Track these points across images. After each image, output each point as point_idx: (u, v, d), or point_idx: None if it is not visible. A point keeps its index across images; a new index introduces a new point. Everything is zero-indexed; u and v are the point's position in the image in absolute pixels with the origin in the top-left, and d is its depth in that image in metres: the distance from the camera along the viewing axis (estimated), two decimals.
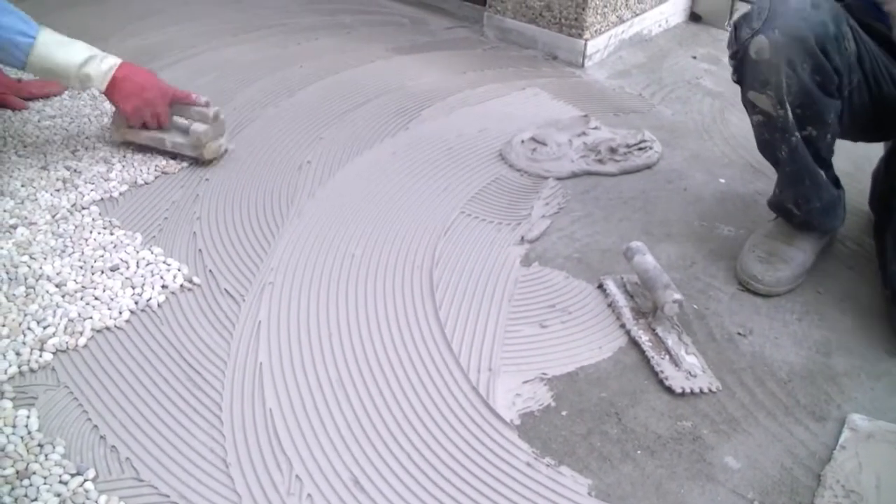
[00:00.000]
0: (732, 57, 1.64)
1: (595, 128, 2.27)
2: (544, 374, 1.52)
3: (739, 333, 1.63)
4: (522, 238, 1.87)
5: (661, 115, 2.43)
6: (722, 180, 2.11)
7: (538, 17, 2.80)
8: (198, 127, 2.12)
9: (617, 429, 1.42)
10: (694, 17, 3.16)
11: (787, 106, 1.58)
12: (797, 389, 1.51)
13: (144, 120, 2.14)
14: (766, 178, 2.07)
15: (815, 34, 1.51)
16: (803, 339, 1.63)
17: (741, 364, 1.56)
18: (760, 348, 1.60)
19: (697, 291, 1.73)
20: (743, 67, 1.61)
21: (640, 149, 2.18)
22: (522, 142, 2.21)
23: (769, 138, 1.68)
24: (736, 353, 1.59)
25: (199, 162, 2.15)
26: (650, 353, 1.55)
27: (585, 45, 2.72)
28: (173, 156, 2.16)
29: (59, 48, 1.99)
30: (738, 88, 1.68)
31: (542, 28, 2.81)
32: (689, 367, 1.51)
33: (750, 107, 1.66)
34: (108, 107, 2.41)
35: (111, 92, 2.07)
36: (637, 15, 2.89)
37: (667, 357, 1.54)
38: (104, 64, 2.05)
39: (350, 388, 1.48)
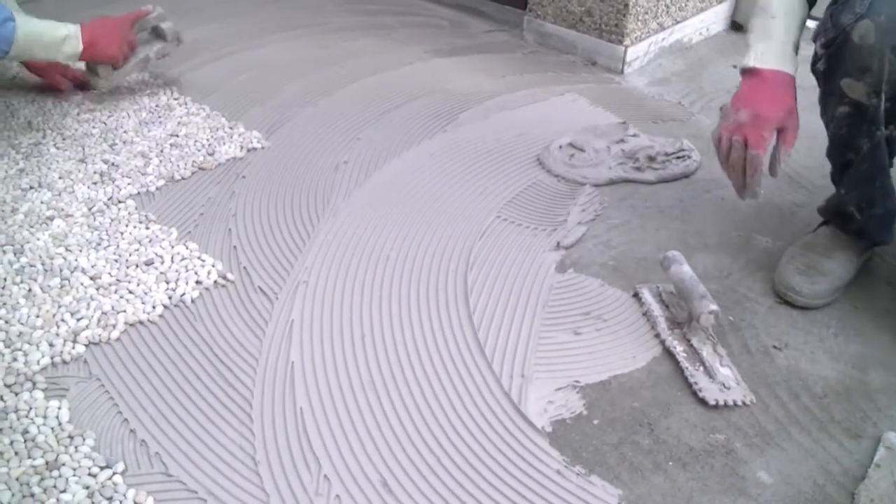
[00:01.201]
0: (826, 45, 1.57)
1: (634, 135, 2.26)
2: (577, 381, 1.50)
3: (775, 346, 1.61)
4: (558, 244, 1.86)
5: (701, 124, 2.41)
6: (760, 191, 2.09)
7: (578, 22, 2.79)
8: (167, 24, 2.35)
9: (649, 439, 1.40)
10: (735, 25, 3.13)
11: (882, 96, 1.52)
12: (832, 405, 1.49)
13: (125, 54, 2.30)
14: (804, 190, 2.05)
15: None
16: (839, 355, 1.61)
17: (776, 378, 1.54)
18: (796, 362, 1.58)
19: (733, 303, 1.72)
20: (841, 53, 1.53)
21: (679, 157, 2.17)
22: (560, 147, 2.20)
23: (849, 133, 1.61)
24: (771, 366, 1.57)
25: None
26: (684, 363, 1.53)
27: (625, 51, 2.70)
28: (210, 152, 2.16)
29: (39, 25, 2.10)
30: None
31: (582, 33, 2.80)
32: (723, 379, 1.49)
33: (838, 97, 1.59)
34: (145, 101, 2.43)
35: (91, 52, 2.20)
36: (678, 23, 2.87)
37: (701, 368, 1.52)
38: (73, 29, 2.16)
39: (381, 389, 1.48)
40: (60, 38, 2.11)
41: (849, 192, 1.71)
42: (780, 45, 1.63)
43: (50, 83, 2.46)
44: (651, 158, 2.15)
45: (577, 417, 1.43)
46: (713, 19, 3.03)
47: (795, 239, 1.84)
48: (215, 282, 1.73)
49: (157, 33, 2.38)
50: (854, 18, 1.49)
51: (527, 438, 1.39)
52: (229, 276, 1.74)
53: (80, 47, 2.16)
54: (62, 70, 2.45)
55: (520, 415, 1.43)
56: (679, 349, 1.56)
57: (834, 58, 1.56)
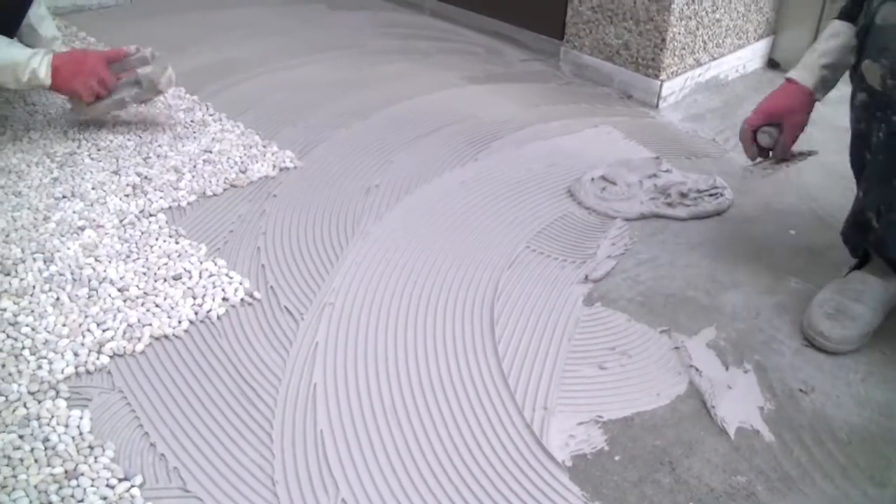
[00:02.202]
0: (858, 33, 1.62)
1: (666, 170, 2.25)
2: (600, 416, 1.49)
3: (801, 390, 1.60)
4: (587, 277, 1.85)
5: (734, 161, 2.39)
6: (792, 231, 2.08)
7: (615, 54, 2.79)
8: (145, 69, 2.25)
9: (670, 478, 1.39)
10: (772, 63, 3.12)
11: None
12: (857, 452, 1.47)
13: (95, 91, 2.22)
14: (836, 233, 2.03)
15: None
16: (866, 401, 1.59)
17: (800, 421, 1.53)
18: (821, 406, 1.56)
19: (760, 343, 1.70)
20: (866, 38, 1.58)
21: (711, 195, 2.16)
22: (592, 180, 2.19)
23: (867, 128, 1.63)
24: (796, 409, 1.55)
25: (152, 99, 2.36)
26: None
27: (661, 86, 2.70)
28: (242, 170, 2.17)
29: (4, 45, 2.09)
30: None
31: (618, 66, 2.80)
32: None
33: (857, 83, 1.64)
34: (181, 116, 2.44)
35: (56, 82, 2.15)
36: (714, 59, 2.87)
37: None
38: (45, 58, 2.12)
39: (403, 415, 1.47)
40: (27, 66, 2.09)
41: (866, 193, 1.70)
42: (807, 60, 1.80)
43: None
44: (683, 195, 2.14)
45: (599, 453, 1.42)
46: (750, 57, 3.03)
47: (825, 280, 1.82)
48: (242, 300, 1.73)
49: (133, 79, 2.32)
50: (881, 1, 1.55)
51: (547, 472, 1.37)
52: (256, 294, 1.74)
53: (48, 80, 2.13)
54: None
55: (541, 448, 1.42)
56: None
57: (861, 43, 1.61)
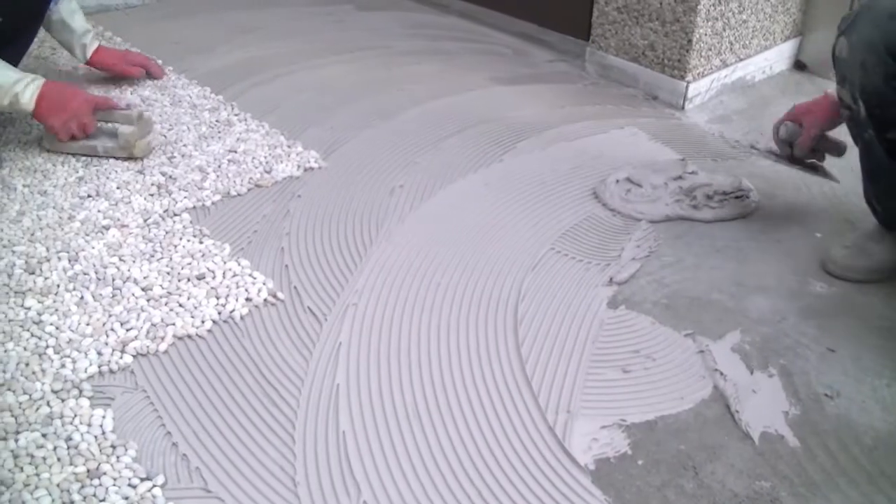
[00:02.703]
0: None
1: (692, 172, 2.24)
2: (623, 420, 1.48)
3: (826, 395, 1.58)
4: (611, 279, 1.84)
5: (760, 163, 2.38)
6: (818, 235, 2.06)
7: (641, 55, 2.78)
8: (125, 129, 2.18)
9: (693, 483, 1.38)
10: (799, 65, 3.10)
11: (861, 103, 1.74)
12: (882, 458, 1.46)
13: (72, 132, 2.18)
14: None
15: (885, 42, 1.66)
16: (892, 406, 1.57)
17: (825, 426, 1.51)
18: (846, 412, 1.55)
19: (785, 348, 1.69)
20: (834, 64, 1.79)
21: (737, 197, 2.14)
22: (617, 181, 2.18)
23: (852, 134, 1.86)
24: (821, 414, 1.54)
25: (131, 159, 2.22)
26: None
27: (687, 87, 2.68)
28: (267, 170, 2.18)
29: (4, 74, 2.07)
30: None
31: (644, 67, 2.79)
32: None
33: (840, 101, 1.83)
34: (206, 116, 2.45)
35: (38, 110, 2.11)
36: (741, 60, 2.85)
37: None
38: (33, 84, 2.10)
39: (425, 417, 1.47)
40: (11, 89, 2.07)
41: (865, 186, 1.92)
42: None
43: (122, 74, 2.53)
44: (709, 197, 2.13)
45: (622, 457, 1.41)
46: (777, 58, 3.01)
47: (851, 284, 1.85)
48: (265, 300, 1.73)
49: (112, 132, 2.25)
50: (838, 34, 1.77)
51: (569, 475, 1.37)
52: (280, 294, 1.74)
53: (31, 106, 2.10)
54: (129, 58, 2.53)
55: (563, 451, 1.41)
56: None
57: (834, 69, 1.82)
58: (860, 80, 1.72)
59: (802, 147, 2.02)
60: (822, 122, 1.97)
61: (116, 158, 2.21)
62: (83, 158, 2.18)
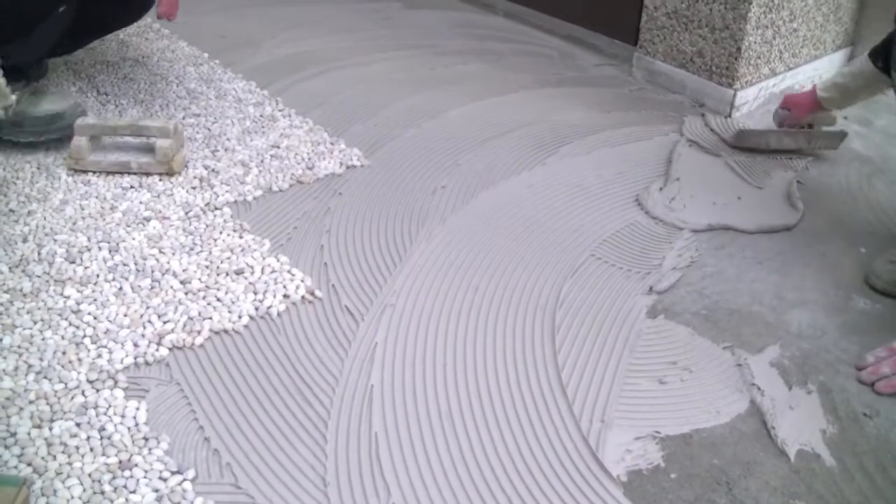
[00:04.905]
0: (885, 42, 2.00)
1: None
2: (657, 432, 1.47)
3: (865, 414, 1.56)
4: (651, 288, 1.82)
5: (806, 174, 2.35)
6: (863, 249, 2.03)
7: (689, 62, 2.75)
8: (163, 143, 2.10)
9: (726, 499, 1.36)
10: None
11: None
12: None
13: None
14: None
15: None
16: None
17: (864, 447, 1.49)
18: (886, 432, 1.52)
19: (825, 364, 1.66)
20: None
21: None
22: (661, 189, 2.16)
23: None
24: (859, 434, 1.51)
25: (169, 175, 2.13)
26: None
27: (734, 95, 2.65)
28: (309, 166, 2.18)
29: None
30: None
31: (691, 74, 2.76)
32: None
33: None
34: (251, 110, 2.45)
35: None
36: (790, 69, 2.82)
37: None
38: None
39: (458, 421, 1.46)
40: None
41: None
42: (829, 78, 2.30)
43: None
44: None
45: (655, 469, 1.40)
46: (826, 67, 2.97)
47: (894, 303, 1.82)
48: (303, 297, 1.73)
49: (146, 147, 2.19)
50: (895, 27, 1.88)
51: (601, 486, 1.35)
52: (317, 292, 1.74)
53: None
54: None
55: (596, 461, 1.39)
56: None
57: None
58: None
59: (789, 125, 2.43)
60: (804, 114, 2.38)
61: (150, 175, 2.13)
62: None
